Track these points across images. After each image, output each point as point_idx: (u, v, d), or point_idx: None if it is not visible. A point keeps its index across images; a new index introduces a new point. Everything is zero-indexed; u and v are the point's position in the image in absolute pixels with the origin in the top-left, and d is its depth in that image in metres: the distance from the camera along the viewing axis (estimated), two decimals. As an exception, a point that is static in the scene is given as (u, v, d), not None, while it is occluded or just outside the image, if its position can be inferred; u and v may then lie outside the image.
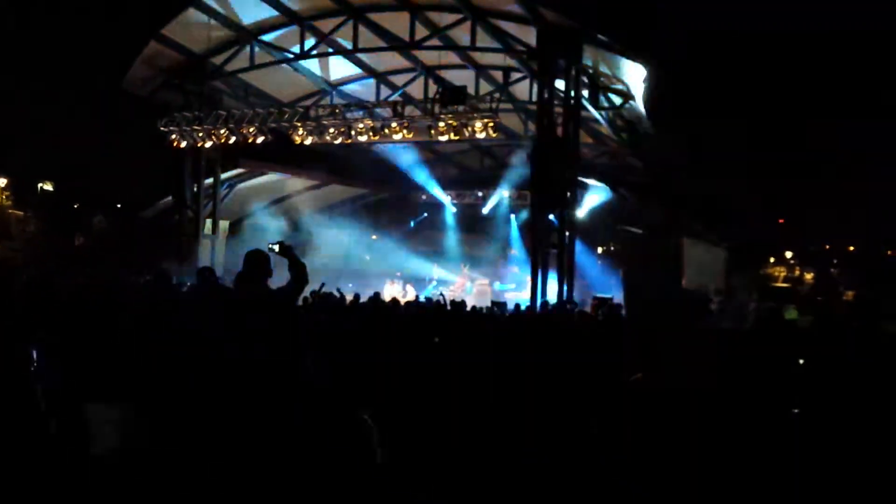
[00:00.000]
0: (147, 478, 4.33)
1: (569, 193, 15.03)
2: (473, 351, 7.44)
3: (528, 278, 16.09)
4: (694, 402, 5.28)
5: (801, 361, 5.93)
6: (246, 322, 4.79)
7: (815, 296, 27.77)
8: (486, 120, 14.84)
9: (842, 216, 31.06)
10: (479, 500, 5.18)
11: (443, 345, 7.90)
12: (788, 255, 33.84)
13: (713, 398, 5.36)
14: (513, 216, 25.45)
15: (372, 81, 18.52)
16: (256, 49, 16.92)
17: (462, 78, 16.58)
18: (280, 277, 5.00)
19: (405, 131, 15.72)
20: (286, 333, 4.85)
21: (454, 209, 26.12)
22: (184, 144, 17.48)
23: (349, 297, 11.00)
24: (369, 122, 15.94)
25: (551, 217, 14.89)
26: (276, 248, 4.98)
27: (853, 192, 29.85)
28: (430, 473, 5.36)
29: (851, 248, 34.05)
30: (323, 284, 10.33)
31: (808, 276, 33.32)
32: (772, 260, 32.99)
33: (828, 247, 34.27)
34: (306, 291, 7.63)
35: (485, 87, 17.23)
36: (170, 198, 19.93)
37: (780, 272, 33.03)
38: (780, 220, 31.98)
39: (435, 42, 15.68)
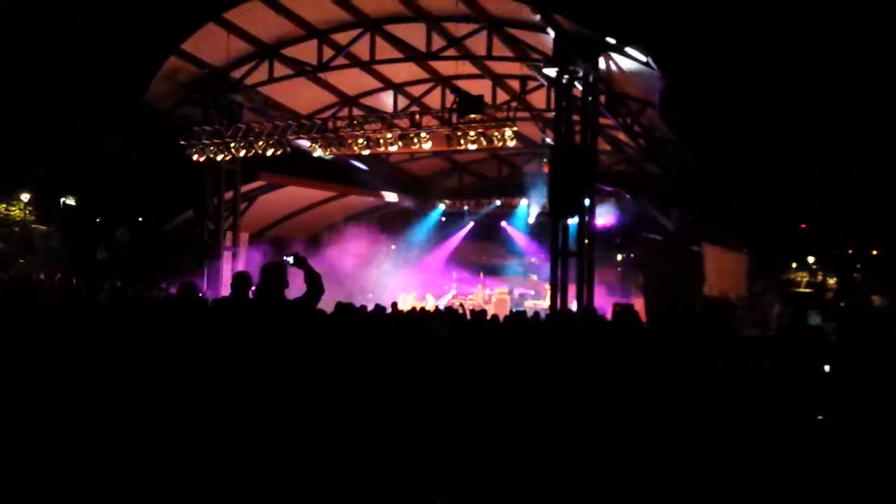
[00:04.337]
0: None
1: (587, 201, 15.00)
2: (494, 356, 7.44)
3: (548, 286, 16.07)
4: (718, 404, 5.26)
5: (827, 368, 5.88)
6: (264, 332, 4.87)
7: (839, 301, 27.47)
8: (506, 128, 14.88)
9: (865, 220, 30.69)
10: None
11: (463, 351, 7.89)
12: (811, 259, 33.46)
13: (737, 401, 5.33)
14: (530, 224, 25.42)
15: (389, 93, 18.64)
16: (275, 62, 17.10)
17: (479, 88, 16.61)
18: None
19: (424, 141, 15.77)
20: (302, 341, 4.94)
21: (472, 218, 26.15)
22: (204, 158, 17.63)
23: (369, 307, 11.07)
24: (388, 132, 16.02)
25: (570, 224, 14.88)
26: (292, 259, 5.04)
27: (876, 195, 29.54)
28: (449, 481, 5.38)
29: (875, 253, 33.59)
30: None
31: (831, 282, 32.93)
32: (794, 265, 32.63)
33: (851, 251, 33.83)
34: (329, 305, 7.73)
35: (501, 97, 17.29)
36: (191, 211, 20.09)
37: (803, 277, 32.65)
38: (802, 226, 31.64)
39: (451, 52, 15.77)
